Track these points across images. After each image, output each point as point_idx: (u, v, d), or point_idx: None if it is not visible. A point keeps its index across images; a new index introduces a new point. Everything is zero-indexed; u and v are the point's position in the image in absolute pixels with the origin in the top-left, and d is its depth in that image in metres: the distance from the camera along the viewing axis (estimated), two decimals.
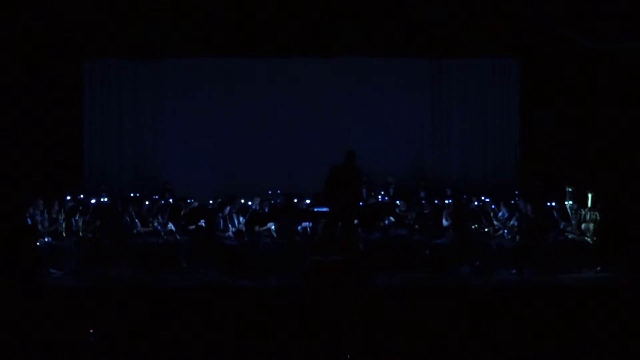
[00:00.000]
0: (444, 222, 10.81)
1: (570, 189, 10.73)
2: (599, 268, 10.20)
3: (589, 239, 10.36)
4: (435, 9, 12.63)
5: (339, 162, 9.78)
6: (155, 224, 10.80)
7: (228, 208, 10.74)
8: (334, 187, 9.67)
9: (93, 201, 11.01)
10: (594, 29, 12.11)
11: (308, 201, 11.05)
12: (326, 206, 9.97)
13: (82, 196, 11.50)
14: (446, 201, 11.23)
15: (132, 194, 12.12)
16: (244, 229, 10.78)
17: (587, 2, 11.65)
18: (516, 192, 12.05)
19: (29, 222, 9.90)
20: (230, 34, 12.80)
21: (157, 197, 11.99)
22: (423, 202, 11.64)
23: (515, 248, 10.26)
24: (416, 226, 11.01)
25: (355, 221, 10.08)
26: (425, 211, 11.23)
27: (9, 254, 9.54)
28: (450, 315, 7.62)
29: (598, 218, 10.40)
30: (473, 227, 10.63)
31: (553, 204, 10.85)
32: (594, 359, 6.39)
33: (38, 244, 9.85)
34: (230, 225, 10.68)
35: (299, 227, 10.86)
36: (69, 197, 10.86)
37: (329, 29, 12.74)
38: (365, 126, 13.70)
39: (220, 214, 10.66)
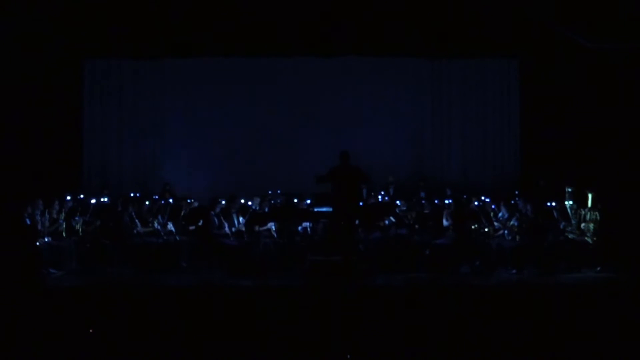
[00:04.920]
0: (444, 222, 10.82)
1: (570, 189, 10.73)
2: (599, 268, 10.21)
3: (589, 239, 10.37)
4: (435, 9, 12.64)
5: (338, 162, 9.87)
6: (155, 224, 10.82)
7: (219, 206, 10.74)
8: (336, 187, 9.71)
9: (93, 201, 11.02)
10: (594, 29, 12.11)
11: (308, 201, 11.05)
12: (329, 205, 9.98)
13: (82, 196, 11.50)
14: (446, 201, 11.24)
15: (132, 194, 12.11)
16: (244, 229, 10.78)
17: (587, 2, 11.65)
18: (516, 192, 12.05)
19: (29, 222, 9.90)
20: (230, 34, 12.80)
21: (157, 197, 11.99)
22: (423, 202, 11.64)
23: (515, 248, 10.26)
24: (416, 226, 11.01)
25: (356, 221, 10.09)
26: (425, 211, 11.23)
27: (9, 254, 9.53)
28: (450, 315, 7.62)
29: (598, 218, 10.40)
30: (473, 227, 10.64)
31: (553, 204, 10.85)
32: (594, 359, 6.39)
33: (38, 244, 9.86)
34: (226, 224, 10.68)
35: (299, 227, 10.86)
36: (69, 197, 10.86)
37: (329, 29, 12.74)
38: (365, 126, 13.69)
39: (213, 212, 10.67)
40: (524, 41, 12.95)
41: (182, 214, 11.19)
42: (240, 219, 10.87)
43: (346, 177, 9.74)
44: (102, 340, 6.71)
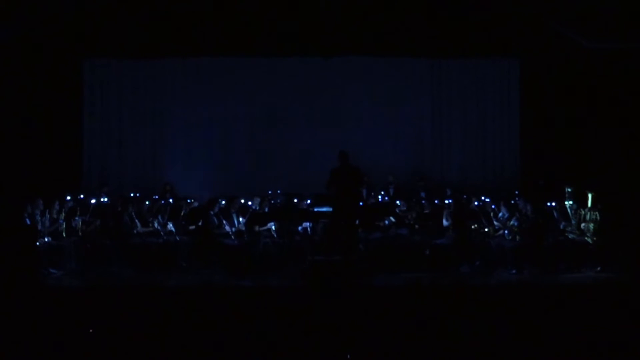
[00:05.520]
0: (444, 222, 10.83)
1: (570, 189, 10.74)
2: (599, 268, 10.21)
3: (589, 239, 10.37)
4: (435, 9, 12.64)
5: (337, 163, 9.89)
6: (155, 224, 10.82)
7: (217, 206, 10.76)
8: (338, 187, 9.72)
9: (93, 201, 11.02)
10: (594, 29, 12.12)
11: (308, 201, 11.05)
12: (330, 205, 9.99)
13: (82, 196, 11.50)
14: (446, 201, 11.25)
15: (132, 194, 12.12)
16: (244, 229, 10.79)
17: (587, 2, 11.66)
18: (516, 192, 12.05)
19: (29, 222, 9.90)
20: (230, 34, 12.81)
21: (157, 197, 12.00)
22: (423, 202, 11.65)
23: (515, 248, 10.27)
24: (416, 226, 11.02)
25: (356, 221, 10.09)
26: (425, 211, 11.24)
27: (9, 254, 9.53)
28: (450, 315, 7.62)
29: (598, 218, 10.41)
30: (473, 227, 10.64)
31: (553, 204, 10.86)
32: (594, 359, 6.39)
33: (38, 244, 9.86)
34: (225, 223, 10.69)
35: (299, 227, 10.86)
36: (69, 197, 10.86)
37: (329, 29, 12.74)
38: (365, 126, 13.71)
39: (212, 212, 10.68)
40: (524, 41, 12.95)
41: (182, 214, 11.19)
42: (240, 219, 10.87)
43: (346, 177, 9.75)
44: (102, 340, 6.70)
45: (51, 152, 12.63)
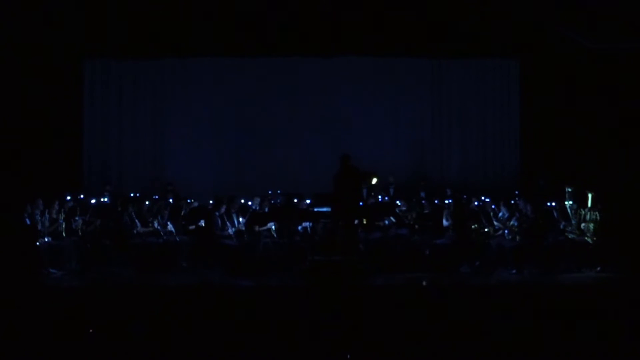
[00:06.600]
0: (444, 222, 10.83)
1: (570, 189, 10.74)
2: (599, 268, 10.21)
3: (589, 239, 10.37)
4: (435, 9, 12.64)
5: (337, 163, 9.93)
6: (155, 224, 10.81)
7: (224, 207, 10.76)
8: (338, 188, 9.76)
9: (93, 201, 11.03)
10: (594, 29, 12.12)
11: (308, 201, 11.05)
12: (330, 205, 10.01)
13: (82, 196, 11.50)
14: (446, 201, 11.24)
15: (132, 194, 12.12)
16: (244, 229, 10.79)
17: (587, 2, 11.66)
18: (516, 192, 12.05)
19: (29, 222, 9.90)
20: (230, 34, 12.81)
21: (157, 197, 11.99)
22: (423, 202, 11.65)
23: (515, 248, 10.26)
24: (416, 226, 11.02)
25: (356, 221, 10.10)
26: (425, 211, 11.24)
27: (9, 254, 9.53)
28: (450, 315, 7.62)
29: (598, 218, 10.40)
30: (473, 227, 10.64)
31: (553, 204, 10.86)
32: (594, 359, 6.39)
33: (38, 244, 9.85)
34: (228, 224, 10.70)
35: (299, 227, 10.86)
36: (69, 197, 10.86)
37: (329, 29, 12.74)
38: (365, 126, 13.70)
39: (217, 213, 10.68)
40: (524, 41, 12.95)
41: (182, 214, 11.19)
42: (240, 219, 10.87)
43: (346, 178, 9.79)
44: (102, 340, 6.71)
45: (51, 152, 12.63)
